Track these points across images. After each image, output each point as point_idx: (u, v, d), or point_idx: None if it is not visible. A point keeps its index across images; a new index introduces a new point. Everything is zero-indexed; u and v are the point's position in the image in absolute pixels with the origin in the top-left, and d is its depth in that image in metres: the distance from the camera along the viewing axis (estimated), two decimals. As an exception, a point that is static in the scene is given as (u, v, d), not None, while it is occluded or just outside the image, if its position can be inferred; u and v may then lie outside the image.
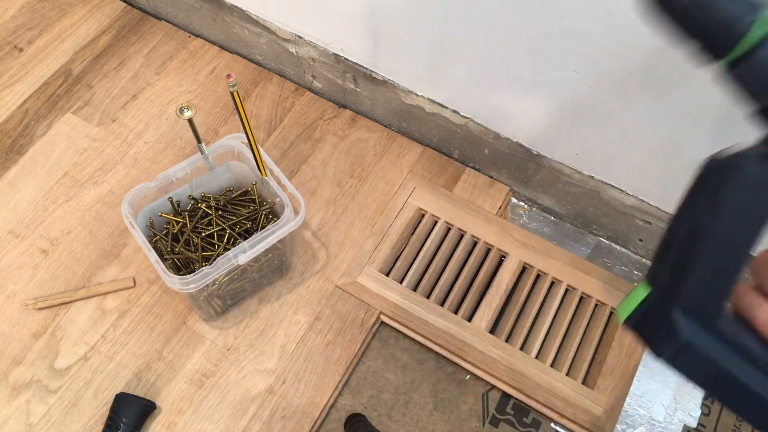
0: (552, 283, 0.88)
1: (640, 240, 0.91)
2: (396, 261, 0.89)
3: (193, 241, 0.77)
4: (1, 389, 0.77)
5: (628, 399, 0.80)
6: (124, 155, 0.94)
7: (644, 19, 0.62)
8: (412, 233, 0.91)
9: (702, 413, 0.82)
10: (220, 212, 0.79)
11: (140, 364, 0.79)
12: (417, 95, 0.90)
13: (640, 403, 0.82)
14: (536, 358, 0.81)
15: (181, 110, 0.67)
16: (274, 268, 0.82)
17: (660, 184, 0.80)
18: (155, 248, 0.74)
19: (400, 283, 0.86)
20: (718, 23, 0.27)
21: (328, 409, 0.79)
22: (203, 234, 0.77)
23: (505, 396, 0.81)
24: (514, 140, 0.87)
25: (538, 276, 0.88)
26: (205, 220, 0.79)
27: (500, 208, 0.94)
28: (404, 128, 0.99)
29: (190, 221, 0.78)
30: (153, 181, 0.74)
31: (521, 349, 0.82)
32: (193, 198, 0.81)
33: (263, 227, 0.79)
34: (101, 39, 1.06)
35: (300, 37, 0.94)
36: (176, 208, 0.79)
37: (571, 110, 0.77)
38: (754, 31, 0.26)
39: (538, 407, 0.80)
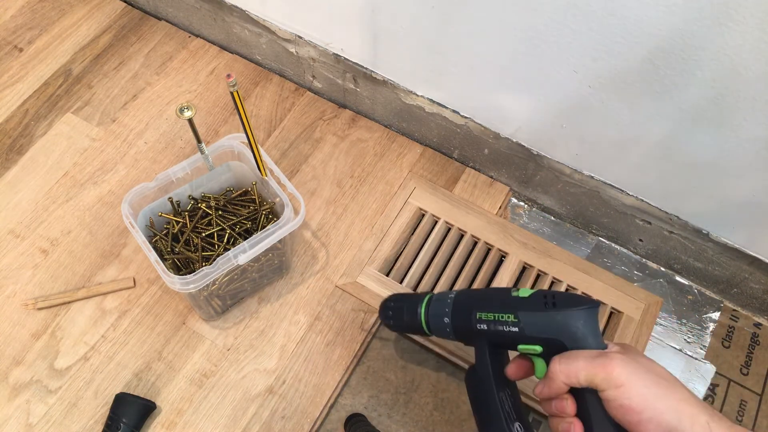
0: (552, 283, 0.88)
1: (640, 240, 0.91)
2: (396, 261, 0.89)
3: (193, 241, 0.77)
4: (1, 389, 0.77)
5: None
6: (124, 155, 0.94)
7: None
8: (412, 233, 0.91)
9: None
10: (220, 212, 0.79)
11: (140, 364, 0.79)
12: (417, 95, 0.90)
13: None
14: (536, 358, 0.81)
15: (181, 110, 0.67)
16: (274, 268, 0.82)
17: (660, 184, 0.80)
18: (155, 248, 0.74)
19: (400, 283, 0.86)
20: (412, 328, 0.67)
21: (328, 409, 0.79)
22: (203, 234, 0.77)
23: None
24: (514, 140, 0.87)
25: (538, 276, 0.88)
26: (205, 220, 0.79)
27: (500, 208, 0.94)
28: (404, 128, 0.99)
29: (190, 221, 0.78)
30: (153, 181, 0.74)
31: (521, 349, 0.82)
32: (193, 198, 0.81)
33: (263, 227, 0.79)
34: (101, 39, 1.06)
35: (300, 37, 0.94)
36: (176, 208, 0.79)
37: (571, 110, 0.77)
38: (423, 321, 0.65)
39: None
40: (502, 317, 0.54)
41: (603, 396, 0.46)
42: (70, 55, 1.04)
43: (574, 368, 0.47)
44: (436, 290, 0.85)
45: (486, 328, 0.56)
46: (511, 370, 0.56)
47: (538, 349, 0.52)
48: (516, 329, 0.53)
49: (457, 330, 0.61)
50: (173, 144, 0.96)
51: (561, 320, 0.50)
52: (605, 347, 0.50)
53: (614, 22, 0.63)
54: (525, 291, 0.55)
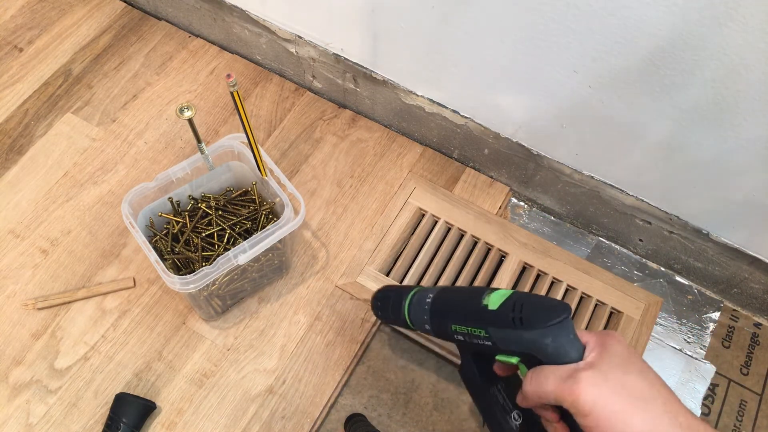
0: (552, 283, 0.88)
1: (640, 240, 0.91)
2: (396, 261, 0.89)
3: (193, 241, 0.77)
4: (1, 389, 0.77)
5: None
6: (124, 155, 0.95)
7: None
8: (412, 233, 0.91)
9: (702, 413, 0.82)
10: (220, 212, 0.79)
11: (140, 364, 0.79)
12: (417, 95, 0.90)
13: (640, 403, 0.82)
14: (536, 358, 0.81)
15: (181, 110, 0.67)
16: (274, 268, 0.82)
17: (660, 184, 0.80)
18: (155, 248, 0.74)
19: (400, 283, 0.86)
20: (398, 322, 0.68)
21: (328, 409, 0.79)
22: (203, 234, 0.77)
23: (505, 396, 0.81)
24: (514, 140, 0.87)
25: (538, 276, 0.88)
26: (205, 220, 0.79)
27: (500, 208, 0.94)
28: (404, 128, 0.99)
29: (190, 221, 0.78)
30: (153, 181, 0.74)
31: (521, 349, 0.82)
32: (193, 198, 0.81)
33: (263, 227, 0.79)
34: (101, 39, 1.06)
35: (300, 37, 0.94)
36: (176, 208, 0.79)
37: (571, 110, 0.77)
38: (407, 316, 0.66)
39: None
40: (475, 332, 0.54)
41: (575, 418, 0.45)
42: (70, 55, 1.04)
43: (543, 390, 0.47)
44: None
45: (463, 339, 0.57)
46: (498, 367, 0.56)
47: (515, 360, 0.52)
48: (489, 343, 0.53)
49: (438, 334, 0.62)
50: (173, 144, 0.96)
51: (530, 338, 0.50)
52: (582, 350, 0.48)
53: (614, 22, 0.63)
54: (495, 299, 0.53)
